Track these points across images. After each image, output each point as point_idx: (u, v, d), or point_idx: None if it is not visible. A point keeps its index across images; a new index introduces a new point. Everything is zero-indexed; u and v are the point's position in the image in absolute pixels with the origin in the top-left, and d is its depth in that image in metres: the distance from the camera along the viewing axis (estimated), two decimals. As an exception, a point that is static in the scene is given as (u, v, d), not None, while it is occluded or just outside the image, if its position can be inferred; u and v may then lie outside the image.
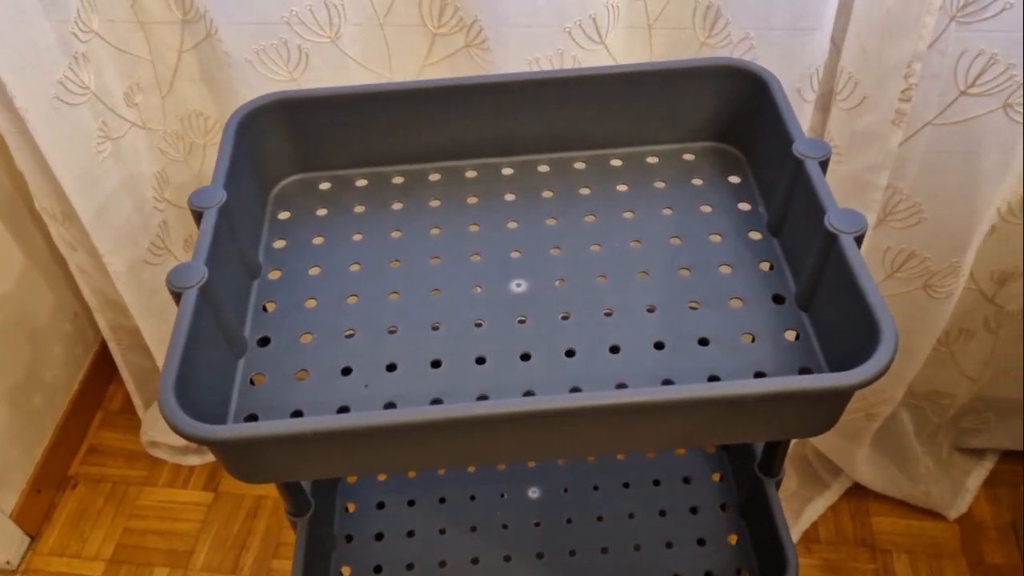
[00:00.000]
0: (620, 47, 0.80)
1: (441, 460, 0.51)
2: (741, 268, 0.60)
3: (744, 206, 0.64)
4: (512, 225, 0.64)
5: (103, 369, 1.34)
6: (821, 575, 1.13)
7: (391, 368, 0.56)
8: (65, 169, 0.89)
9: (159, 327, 1.10)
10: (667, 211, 0.65)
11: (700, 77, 0.65)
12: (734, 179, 0.67)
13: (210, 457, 1.27)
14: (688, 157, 0.68)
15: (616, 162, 0.68)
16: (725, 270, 0.60)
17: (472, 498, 0.80)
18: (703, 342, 0.56)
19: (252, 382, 0.56)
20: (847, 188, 0.83)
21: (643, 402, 0.46)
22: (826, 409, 0.49)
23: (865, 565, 1.14)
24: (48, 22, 0.81)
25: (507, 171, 0.68)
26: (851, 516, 1.18)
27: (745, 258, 0.61)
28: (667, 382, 0.54)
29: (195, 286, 0.51)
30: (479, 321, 0.58)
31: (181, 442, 1.26)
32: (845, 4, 0.75)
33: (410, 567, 0.75)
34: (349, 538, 0.78)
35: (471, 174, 0.68)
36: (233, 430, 0.46)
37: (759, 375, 0.54)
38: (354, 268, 0.62)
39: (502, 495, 0.80)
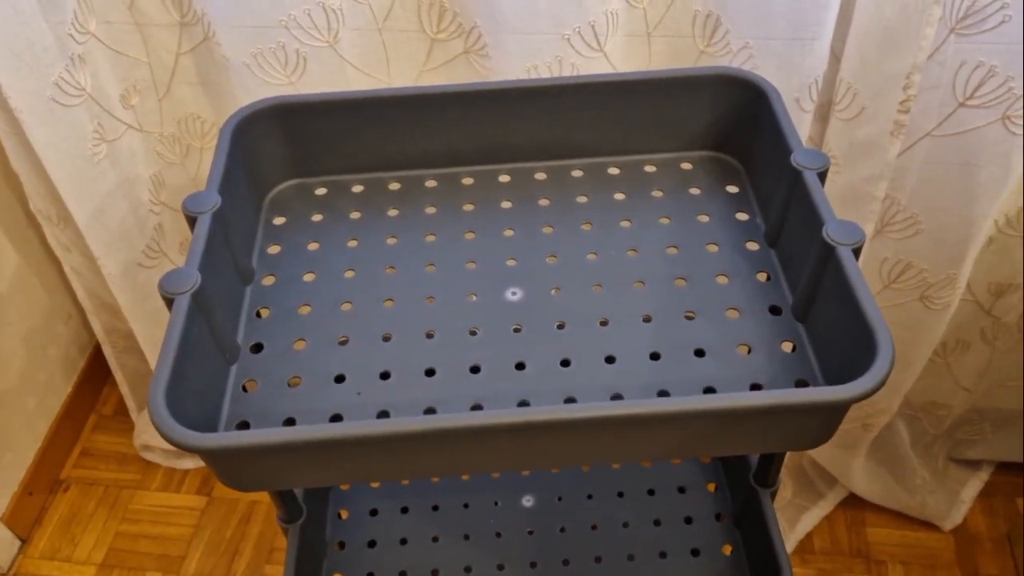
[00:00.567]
0: (619, 55, 0.80)
1: (434, 469, 0.50)
2: (738, 279, 0.60)
3: (741, 216, 0.64)
4: (508, 233, 0.64)
5: (97, 372, 1.33)
6: (816, 585, 1.13)
7: (385, 376, 0.55)
8: (60, 171, 0.88)
9: (153, 330, 1.09)
10: (664, 220, 0.64)
11: (698, 86, 0.65)
12: (732, 189, 0.66)
13: (203, 461, 1.27)
14: (686, 166, 0.68)
15: (613, 170, 0.68)
16: (722, 280, 0.60)
17: (466, 506, 0.80)
18: (699, 353, 0.55)
19: (244, 389, 0.55)
20: (845, 198, 0.83)
21: (638, 414, 0.45)
22: (822, 422, 0.49)
23: (860, 576, 1.13)
24: (45, 23, 0.80)
25: (504, 178, 0.68)
26: (846, 526, 1.17)
27: (742, 268, 0.60)
28: (662, 393, 0.53)
29: (187, 292, 0.51)
30: (474, 329, 0.58)
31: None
32: (845, 15, 0.75)
33: (402, 575, 0.75)
34: (341, 545, 0.78)
35: (468, 181, 0.68)
36: (223, 438, 0.45)
37: (755, 387, 0.53)
38: (349, 274, 0.62)
39: (496, 503, 0.80)
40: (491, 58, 0.80)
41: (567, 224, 0.64)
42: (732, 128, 0.67)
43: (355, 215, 0.66)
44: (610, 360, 0.55)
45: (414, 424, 0.45)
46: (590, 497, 0.80)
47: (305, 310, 0.60)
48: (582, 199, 0.66)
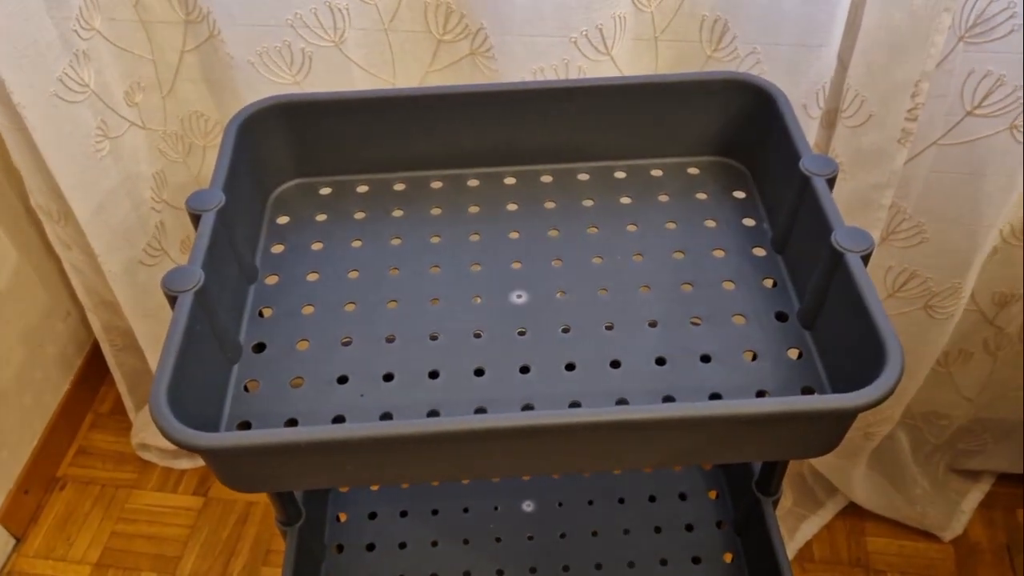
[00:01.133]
0: (626, 58, 0.80)
1: (437, 473, 0.50)
2: (744, 284, 0.59)
3: (748, 222, 0.64)
4: (513, 235, 0.64)
5: (95, 370, 1.33)
6: (814, 595, 1.12)
7: (388, 378, 0.55)
8: (62, 167, 0.88)
9: (153, 329, 1.09)
10: (670, 225, 0.64)
11: (707, 91, 0.65)
12: (739, 194, 0.66)
13: (201, 461, 1.26)
14: (693, 171, 0.68)
15: (620, 174, 0.68)
16: (728, 286, 0.59)
17: (465, 510, 0.79)
18: (705, 359, 0.55)
19: (246, 389, 0.55)
20: (851, 206, 0.83)
21: (643, 419, 0.45)
22: (829, 430, 0.49)
23: (859, 585, 1.13)
24: (50, 19, 0.80)
25: (509, 180, 0.68)
26: (846, 535, 1.17)
27: (748, 274, 0.60)
28: (668, 398, 0.53)
29: (191, 290, 0.50)
30: (478, 332, 0.57)
31: (172, 446, 1.24)
32: (853, 21, 0.75)
33: (401, 579, 0.74)
34: (340, 548, 0.77)
35: (473, 183, 0.68)
36: (225, 438, 0.45)
37: (761, 394, 0.53)
38: (353, 275, 0.61)
39: (496, 508, 0.80)
40: (497, 60, 0.80)
41: (573, 227, 0.64)
42: (740, 133, 0.66)
43: (359, 215, 0.66)
44: (615, 365, 0.55)
45: (417, 427, 0.45)
46: (591, 503, 0.79)
47: (308, 310, 0.59)
48: (588, 203, 0.66)
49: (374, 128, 0.66)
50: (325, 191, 0.67)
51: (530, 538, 0.78)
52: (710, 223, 0.64)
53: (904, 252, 0.89)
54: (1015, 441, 1.14)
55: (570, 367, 0.55)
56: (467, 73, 0.84)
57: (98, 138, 0.88)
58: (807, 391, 0.53)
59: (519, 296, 0.59)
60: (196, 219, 0.55)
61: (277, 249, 0.63)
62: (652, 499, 0.79)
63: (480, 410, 0.53)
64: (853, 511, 1.18)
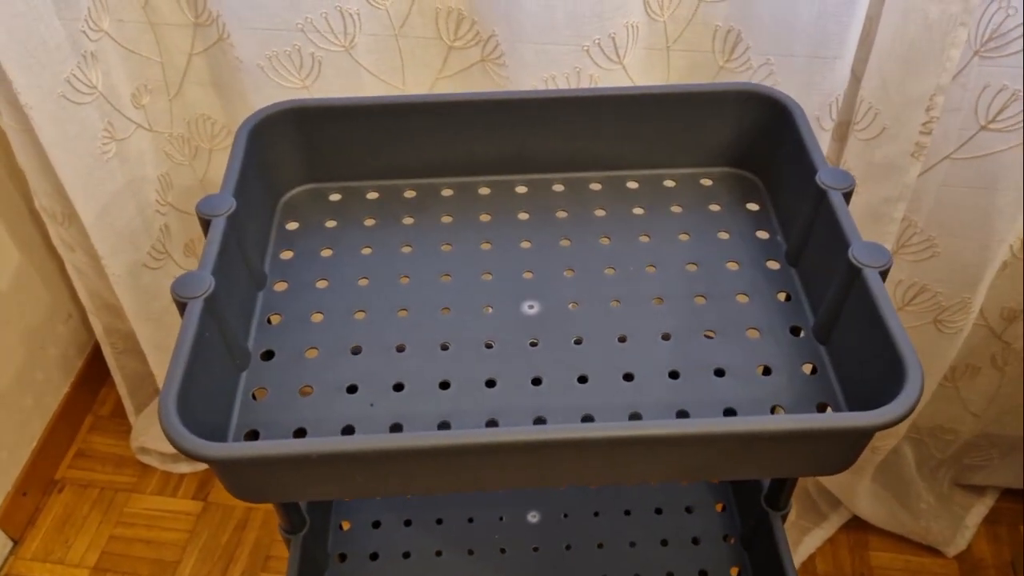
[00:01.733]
0: (638, 68, 0.79)
1: (447, 485, 0.49)
2: (758, 298, 0.59)
3: (762, 234, 0.63)
4: (525, 245, 0.63)
5: (95, 372, 1.32)
6: (817, 609, 1.12)
7: (398, 387, 0.54)
8: (68, 169, 0.87)
9: (155, 332, 1.08)
10: (683, 236, 0.63)
11: (721, 102, 0.64)
12: (752, 206, 0.65)
13: (200, 465, 1.25)
14: (706, 182, 0.67)
15: (632, 184, 0.67)
16: (742, 299, 0.59)
17: (470, 520, 0.79)
18: (719, 372, 0.55)
19: (254, 396, 0.54)
20: (862, 219, 0.82)
21: (658, 435, 0.44)
22: (846, 448, 0.48)
23: (862, 600, 1.12)
24: (59, 20, 0.79)
25: (521, 189, 0.67)
26: (849, 549, 1.16)
27: (762, 287, 0.59)
28: (681, 413, 0.52)
29: (201, 296, 0.50)
30: (490, 342, 0.57)
31: (172, 449, 1.24)
32: (867, 34, 0.74)
33: (405, 590, 0.74)
34: (343, 557, 0.76)
35: (484, 191, 0.67)
36: (234, 449, 0.44)
37: (775, 409, 0.52)
38: (362, 283, 0.61)
39: (501, 518, 0.79)
40: (508, 67, 0.80)
41: (585, 237, 0.63)
42: (754, 145, 0.66)
43: (370, 222, 0.65)
44: (628, 378, 0.54)
45: (428, 440, 0.44)
46: (597, 515, 0.79)
47: (317, 318, 0.58)
48: (600, 212, 0.65)
49: (385, 134, 0.65)
50: (335, 197, 0.67)
51: (535, 549, 0.77)
52: (723, 235, 0.63)
53: (914, 266, 0.88)
54: (1021, 456, 1.13)
55: (582, 379, 0.54)
56: (477, 80, 0.83)
57: (104, 140, 0.88)
58: (822, 407, 0.52)
59: (531, 306, 0.59)
60: (206, 224, 0.55)
61: (286, 255, 0.63)
62: (659, 511, 0.79)
63: (491, 422, 0.52)
64: (857, 525, 1.17)
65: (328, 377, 0.55)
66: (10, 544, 1.18)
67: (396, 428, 0.52)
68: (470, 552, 0.77)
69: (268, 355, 0.56)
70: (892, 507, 1.16)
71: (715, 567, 0.75)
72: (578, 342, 0.56)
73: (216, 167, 0.99)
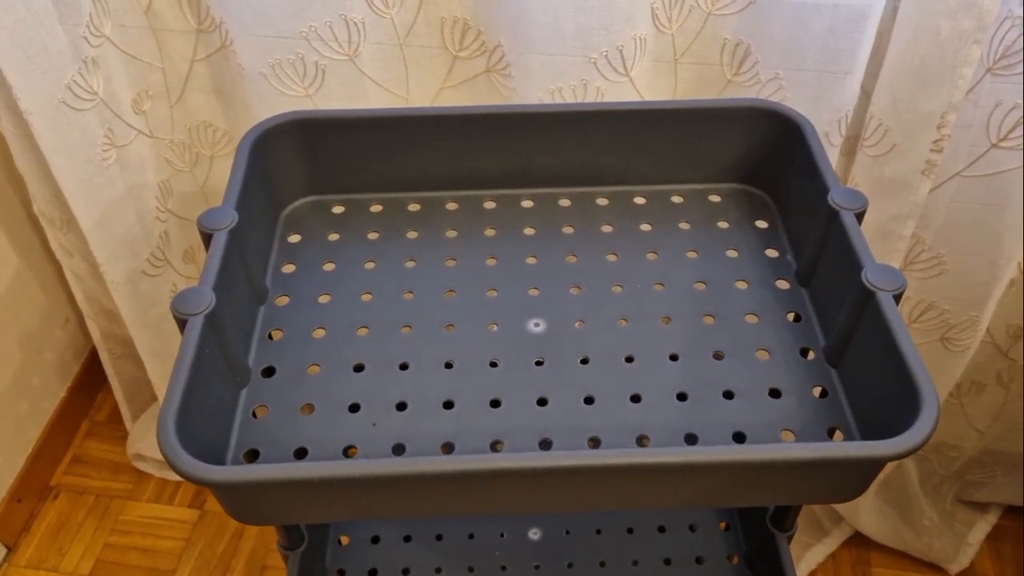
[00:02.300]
0: (645, 81, 0.78)
1: (452, 509, 0.48)
2: (767, 318, 0.58)
3: (771, 253, 0.62)
4: (531, 261, 0.62)
5: (92, 378, 1.31)
6: (818, 625, 1.11)
7: (401, 406, 0.53)
8: (67, 175, 0.86)
9: (154, 339, 1.07)
10: (692, 254, 0.62)
11: (731, 118, 0.63)
12: (761, 224, 0.65)
13: (197, 473, 1.24)
14: (714, 199, 0.66)
15: (640, 200, 0.66)
16: (751, 319, 0.58)
17: (471, 536, 0.78)
18: (727, 394, 0.54)
19: (255, 414, 0.53)
20: (870, 235, 0.81)
21: (667, 463, 0.44)
22: (859, 476, 0.47)
23: (864, 617, 1.11)
24: (60, 25, 0.78)
25: (527, 204, 0.66)
26: (851, 566, 1.15)
27: (772, 308, 0.59)
28: (689, 436, 0.51)
29: (202, 313, 0.49)
30: (494, 361, 0.56)
31: (168, 457, 1.23)
32: (878, 50, 0.74)
33: (404, 607, 0.72)
34: (342, 573, 0.75)
35: (490, 205, 0.66)
36: (234, 472, 0.43)
37: (785, 433, 0.51)
38: (365, 298, 0.60)
39: (502, 535, 0.78)
40: (514, 78, 0.79)
41: (592, 254, 0.63)
42: (763, 162, 0.65)
43: (373, 236, 0.64)
44: (635, 399, 0.53)
45: (432, 465, 0.43)
46: (599, 532, 0.78)
47: (319, 333, 0.57)
48: (607, 228, 0.64)
49: (390, 147, 0.64)
50: (338, 209, 0.66)
51: (536, 567, 0.76)
52: (732, 253, 0.63)
53: (922, 283, 0.88)
54: (1024, 474, 1.13)
55: (589, 400, 0.53)
56: (482, 90, 0.82)
57: (105, 146, 0.87)
58: (832, 431, 0.52)
59: (536, 324, 0.58)
60: (207, 238, 0.54)
61: (288, 269, 0.62)
62: (662, 530, 0.78)
63: (495, 443, 0.51)
64: (859, 541, 1.16)
65: (330, 395, 0.54)
66: (4, 551, 1.17)
67: (399, 449, 0.51)
68: (470, 569, 0.76)
69: (269, 371, 0.55)
70: (895, 523, 1.15)
71: (718, 587, 0.74)
72: (584, 362, 0.55)
73: (217, 174, 0.98)
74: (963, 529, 1.16)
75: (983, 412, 1.04)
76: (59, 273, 1.14)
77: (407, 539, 0.77)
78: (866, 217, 0.81)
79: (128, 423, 1.27)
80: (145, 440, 1.25)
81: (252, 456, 0.51)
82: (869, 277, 0.50)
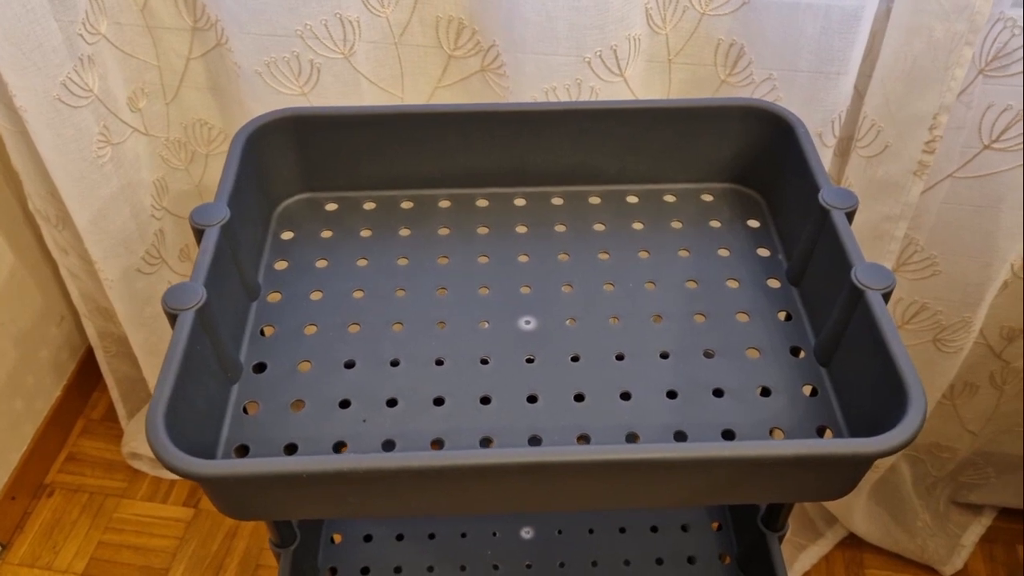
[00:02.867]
0: (639, 80, 0.79)
1: (442, 506, 0.48)
2: (758, 317, 0.58)
3: (763, 252, 0.62)
4: (523, 259, 0.62)
5: (88, 376, 1.31)
6: (812, 627, 1.11)
7: (391, 403, 0.53)
8: (63, 172, 0.86)
9: (148, 337, 1.07)
10: (683, 253, 0.63)
11: (723, 117, 0.64)
12: (753, 223, 0.65)
13: (192, 472, 1.24)
14: (706, 198, 0.67)
15: (632, 199, 0.67)
16: (742, 318, 0.58)
17: (463, 535, 0.78)
18: (717, 393, 0.54)
19: (245, 410, 0.53)
20: (863, 237, 0.82)
21: (656, 458, 0.44)
22: (847, 474, 0.47)
23: (857, 618, 1.11)
24: (56, 22, 0.79)
25: (520, 202, 0.67)
26: (845, 567, 1.15)
27: (763, 307, 0.59)
28: (679, 434, 0.51)
29: (192, 308, 0.49)
30: (485, 358, 0.56)
31: (163, 455, 1.22)
32: (871, 50, 0.74)
33: (396, 605, 0.73)
34: (334, 571, 0.75)
35: (482, 203, 0.66)
36: (222, 466, 0.43)
37: (774, 431, 0.51)
38: (357, 295, 0.60)
39: (494, 534, 0.78)
40: (508, 77, 0.79)
41: (584, 252, 0.63)
42: (756, 161, 0.65)
43: (366, 233, 0.64)
44: (625, 397, 0.53)
45: (423, 460, 0.43)
46: (591, 532, 0.78)
47: (311, 330, 0.58)
48: (599, 227, 0.65)
49: (383, 144, 0.65)
50: (331, 207, 0.66)
51: (528, 566, 0.76)
52: (723, 252, 0.63)
53: (915, 284, 0.88)
54: (1018, 475, 1.13)
55: (579, 398, 0.53)
56: (477, 89, 0.83)
57: (100, 144, 0.87)
58: (822, 430, 0.52)
59: (528, 322, 0.58)
60: (199, 233, 0.54)
61: (280, 265, 0.62)
62: (654, 529, 0.78)
63: (485, 440, 0.51)
64: (852, 542, 1.17)
65: (321, 391, 0.54)
66: (-2, 549, 1.17)
67: (389, 445, 0.51)
68: (462, 568, 0.76)
69: (260, 368, 0.55)
70: (888, 525, 1.15)
71: (710, 586, 0.74)
72: (575, 359, 0.56)
73: (213, 172, 0.98)
74: (956, 531, 1.16)
75: (976, 414, 1.04)
76: (55, 271, 1.14)
77: (399, 537, 0.78)
78: (859, 218, 0.81)
79: (123, 421, 1.27)
80: (140, 438, 1.25)
81: (242, 452, 0.51)
82: (859, 276, 0.50)
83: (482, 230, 0.64)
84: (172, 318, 0.49)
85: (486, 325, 0.58)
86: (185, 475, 0.42)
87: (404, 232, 0.64)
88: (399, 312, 0.59)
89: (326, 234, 0.64)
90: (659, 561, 0.76)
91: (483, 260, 0.62)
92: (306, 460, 0.43)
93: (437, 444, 0.51)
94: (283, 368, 0.55)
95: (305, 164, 0.65)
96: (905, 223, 0.79)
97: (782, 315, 0.59)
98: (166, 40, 0.86)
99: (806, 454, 0.43)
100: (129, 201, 0.94)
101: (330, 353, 0.56)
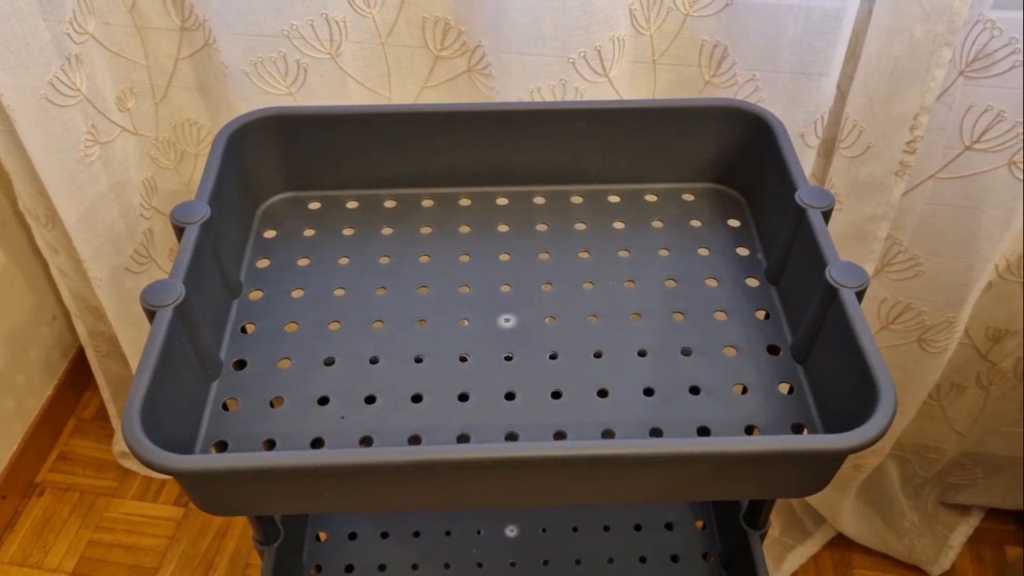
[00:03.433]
0: (624, 81, 0.79)
1: (417, 501, 0.49)
2: (736, 315, 0.58)
3: (742, 251, 0.63)
4: (504, 257, 0.63)
5: (79, 375, 1.31)
6: (800, 626, 1.11)
7: (370, 400, 0.54)
8: (50, 171, 0.86)
9: (138, 336, 1.07)
10: (664, 252, 0.63)
11: (704, 117, 0.64)
12: (733, 223, 0.65)
13: (182, 471, 1.24)
14: (688, 197, 0.67)
15: (614, 198, 0.67)
16: (720, 316, 0.58)
17: (447, 533, 0.78)
18: (694, 390, 0.54)
19: (225, 407, 0.54)
20: (846, 237, 0.82)
21: (629, 454, 0.44)
22: (818, 471, 0.48)
23: (845, 618, 1.11)
24: (43, 21, 0.79)
25: (502, 201, 0.67)
26: (833, 567, 1.16)
27: (741, 305, 0.59)
28: (655, 431, 0.52)
29: (170, 305, 0.49)
30: (464, 355, 0.56)
31: (154, 454, 1.23)
32: (853, 51, 0.74)
33: (379, 603, 0.73)
34: (319, 568, 0.76)
35: (465, 202, 0.67)
36: (195, 461, 0.44)
37: (750, 429, 0.52)
38: (338, 293, 0.60)
39: (478, 532, 0.78)
40: (494, 78, 0.79)
41: (565, 251, 0.63)
42: (736, 161, 0.66)
43: (348, 231, 0.65)
44: (602, 394, 0.54)
45: (395, 455, 0.43)
46: (575, 530, 0.78)
47: (292, 328, 0.58)
48: (581, 226, 0.65)
49: (366, 144, 0.65)
50: (314, 206, 0.66)
51: (512, 564, 0.76)
52: (703, 251, 0.63)
53: (899, 284, 0.88)
54: (1005, 476, 1.13)
55: (556, 395, 0.54)
56: (463, 90, 0.83)
57: (88, 143, 0.87)
58: (797, 428, 0.52)
59: (507, 320, 0.58)
60: (179, 231, 0.54)
61: (263, 264, 0.62)
62: (638, 528, 0.78)
63: (463, 437, 0.51)
64: (841, 542, 1.17)
65: (300, 388, 0.54)
66: (-12, 547, 1.17)
67: (366, 441, 0.51)
68: (447, 566, 0.76)
69: (240, 364, 0.56)
70: (876, 525, 1.15)
71: (693, 585, 0.75)
72: (553, 357, 0.56)
73: (202, 172, 0.98)
74: (944, 531, 1.17)
75: (963, 414, 1.05)
76: (46, 270, 1.14)
77: (384, 535, 0.78)
78: (842, 218, 0.82)
79: (114, 421, 1.27)
80: (131, 438, 1.25)
81: (222, 448, 0.51)
82: (833, 274, 0.51)
83: (464, 229, 0.65)
84: (151, 315, 0.49)
85: (466, 323, 0.58)
86: (159, 470, 0.42)
87: (387, 231, 0.65)
88: (380, 310, 0.59)
89: (309, 233, 0.64)
90: (642, 559, 0.76)
91: (464, 259, 0.63)
92: (280, 455, 0.43)
93: (414, 440, 0.51)
94: (263, 365, 0.56)
95: (288, 163, 0.65)
96: (888, 223, 0.79)
97: (761, 314, 0.59)
98: (154, 40, 0.86)
99: (775, 450, 0.44)
100: (118, 200, 0.94)
101: (310, 350, 0.56)
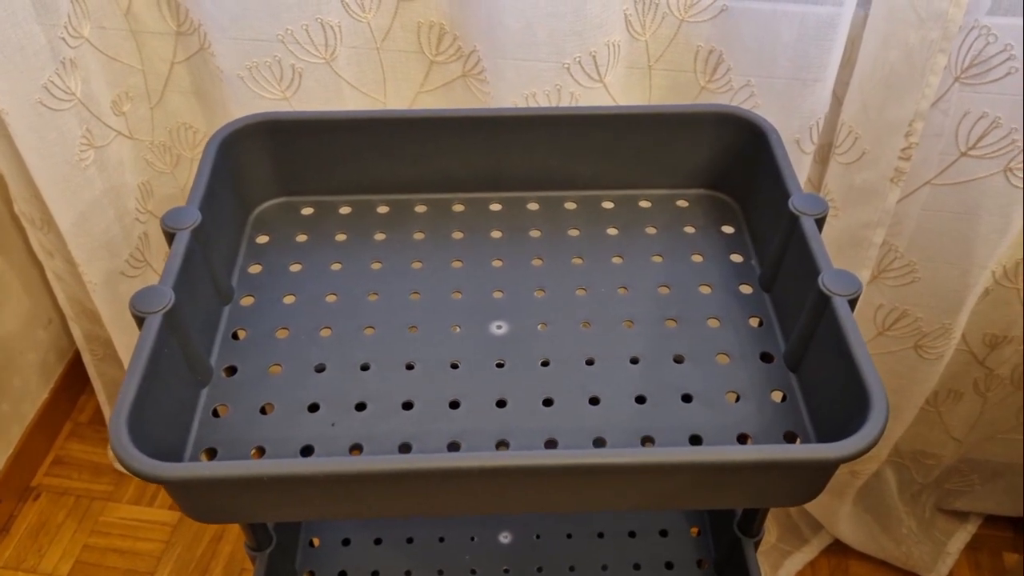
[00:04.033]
0: (619, 87, 0.79)
1: (408, 509, 0.48)
2: (729, 322, 0.58)
3: (736, 258, 0.63)
4: (497, 263, 0.62)
5: (75, 379, 1.31)
6: (796, 633, 1.10)
7: (360, 407, 0.53)
8: (45, 175, 0.86)
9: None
10: (657, 258, 0.63)
11: (698, 123, 0.64)
12: (727, 229, 0.65)
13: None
14: (681, 204, 0.67)
15: (607, 204, 0.67)
16: (713, 324, 0.58)
17: (441, 540, 0.78)
18: (686, 398, 0.54)
19: (216, 413, 0.53)
20: (842, 243, 0.82)
21: (620, 463, 0.44)
22: (810, 480, 0.47)
23: (842, 625, 1.11)
24: (38, 25, 0.79)
25: (495, 207, 0.67)
26: (830, 573, 1.15)
27: (734, 312, 0.59)
28: (647, 439, 0.51)
29: (159, 311, 0.49)
30: (455, 362, 0.56)
31: (149, 458, 1.22)
32: (848, 58, 0.74)
33: (372, 610, 0.73)
34: (311, 574, 0.75)
35: (458, 208, 0.67)
36: (182, 469, 0.43)
37: (742, 437, 0.52)
38: (330, 299, 0.60)
39: (472, 538, 0.78)
40: (489, 83, 0.79)
41: (557, 257, 0.63)
42: (730, 167, 0.65)
43: (341, 237, 0.64)
44: (594, 401, 0.54)
45: (386, 463, 0.43)
46: (569, 537, 0.78)
47: (283, 334, 0.58)
48: (574, 232, 0.65)
49: (359, 149, 0.65)
50: (307, 211, 0.66)
51: (506, 571, 0.76)
52: (697, 258, 0.63)
53: (895, 291, 0.88)
54: (1003, 482, 1.13)
55: (548, 402, 0.53)
56: (459, 95, 0.83)
57: (83, 147, 0.87)
58: (790, 436, 0.52)
59: (499, 326, 0.58)
60: (171, 237, 0.54)
61: (255, 269, 0.62)
62: (632, 535, 0.78)
63: (454, 444, 0.51)
64: (838, 549, 1.16)
65: (290, 395, 0.54)
66: (-18, 552, 1.17)
67: (356, 448, 0.51)
68: (440, 573, 0.76)
69: (231, 371, 0.56)
70: (873, 531, 1.15)
71: (687, 592, 0.74)
72: (545, 364, 0.56)
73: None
74: (942, 538, 1.16)
75: (960, 421, 1.04)
76: (42, 274, 1.14)
77: (377, 542, 0.78)
78: (838, 225, 0.82)
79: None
80: (126, 442, 1.25)
81: (211, 455, 0.51)
82: (825, 281, 0.50)
83: (457, 235, 0.65)
84: (139, 321, 0.49)
85: (458, 329, 0.58)
86: (146, 478, 0.42)
87: (379, 236, 0.64)
88: (371, 316, 0.59)
89: (301, 238, 0.64)
90: (636, 566, 0.76)
91: (457, 265, 0.62)
92: (266, 463, 0.43)
93: (404, 448, 0.51)
94: (254, 371, 0.55)
95: (281, 168, 0.65)
96: (883, 230, 0.79)
97: (754, 321, 0.59)
98: (150, 44, 0.86)
99: (766, 459, 0.43)
100: (113, 204, 0.94)
101: (301, 357, 0.56)
